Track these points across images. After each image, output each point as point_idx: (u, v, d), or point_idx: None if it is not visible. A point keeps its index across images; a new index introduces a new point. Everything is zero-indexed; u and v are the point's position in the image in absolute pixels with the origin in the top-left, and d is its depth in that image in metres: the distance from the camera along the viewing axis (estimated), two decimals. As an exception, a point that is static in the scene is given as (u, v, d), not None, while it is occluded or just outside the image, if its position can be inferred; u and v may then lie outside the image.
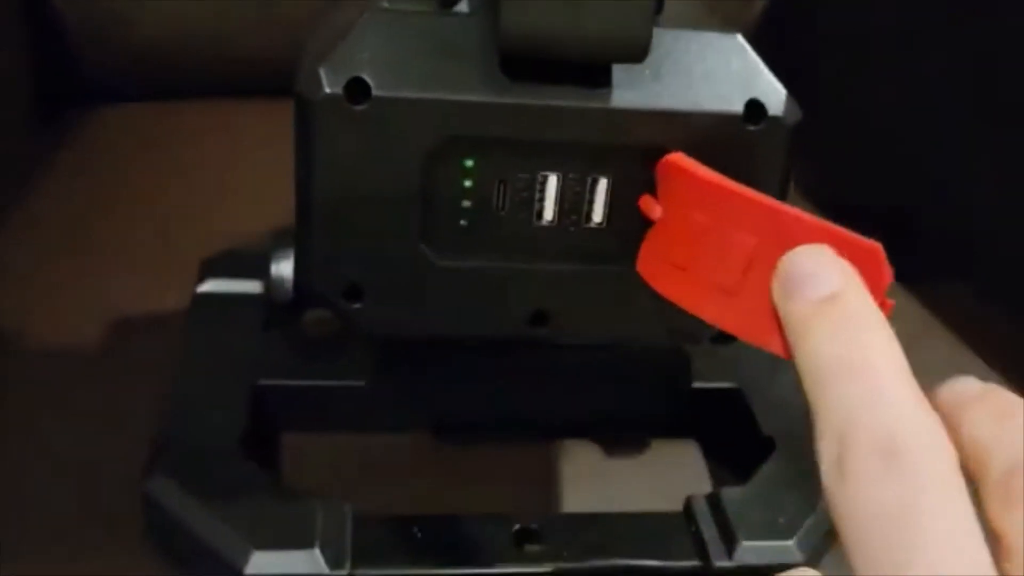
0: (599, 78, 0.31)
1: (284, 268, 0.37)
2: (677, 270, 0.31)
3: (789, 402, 0.43)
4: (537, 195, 0.32)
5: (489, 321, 0.34)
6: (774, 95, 0.32)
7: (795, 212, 0.28)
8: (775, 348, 0.25)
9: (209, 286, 0.44)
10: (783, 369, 0.43)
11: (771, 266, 0.26)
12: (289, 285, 0.37)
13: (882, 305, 0.24)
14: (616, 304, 0.34)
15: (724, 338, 0.35)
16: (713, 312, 0.29)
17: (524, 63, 0.30)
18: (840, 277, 0.23)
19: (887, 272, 0.25)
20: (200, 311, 0.44)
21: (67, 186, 0.56)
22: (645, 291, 0.33)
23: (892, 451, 0.19)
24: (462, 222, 0.33)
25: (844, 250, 0.25)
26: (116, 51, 0.66)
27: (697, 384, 0.44)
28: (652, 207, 0.32)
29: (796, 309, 0.23)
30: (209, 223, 0.51)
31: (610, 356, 0.42)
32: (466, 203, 0.32)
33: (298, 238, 0.32)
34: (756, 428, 0.42)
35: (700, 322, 0.31)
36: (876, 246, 0.27)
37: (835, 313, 0.22)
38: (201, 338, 0.42)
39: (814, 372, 0.21)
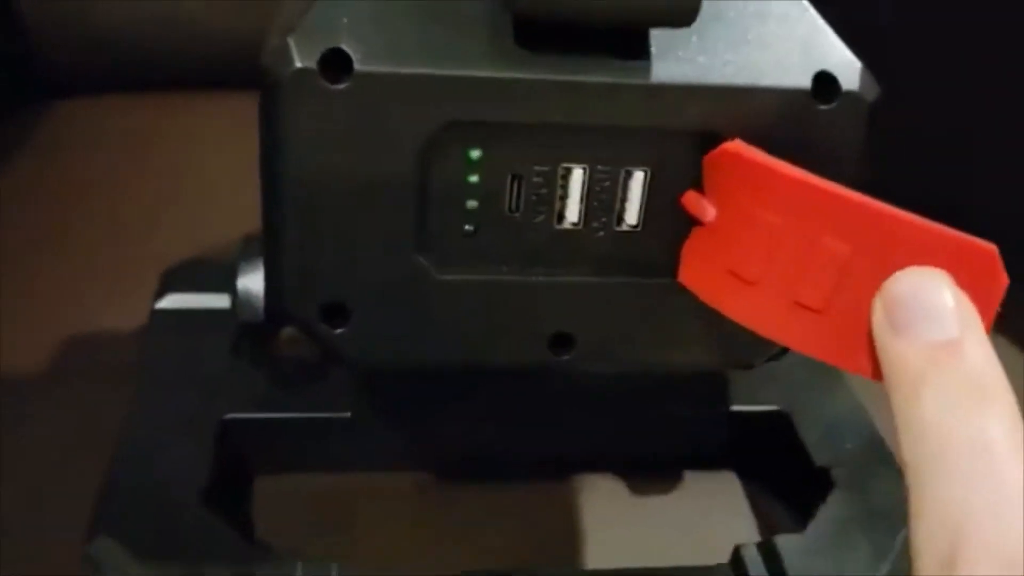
0: (636, 48, 0.25)
1: (252, 282, 0.31)
2: (738, 282, 0.25)
3: (844, 425, 0.38)
4: (559, 192, 0.27)
5: (501, 346, 0.28)
6: (847, 67, 0.26)
7: (893, 211, 0.23)
8: (863, 372, 0.22)
9: (169, 301, 0.38)
10: (835, 385, 0.39)
11: (869, 281, 0.23)
12: (258, 303, 0.31)
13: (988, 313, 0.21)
14: (655, 323, 0.28)
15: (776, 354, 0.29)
16: (788, 332, 0.25)
17: (543, 30, 0.25)
18: (959, 320, 0.20)
19: (1002, 278, 0.22)
20: (158, 331, 0.38)
21: (21, 187, 0.50)
22: (690, 306, 0.27)
23: (1016, 565, 0.17)
24: (467, 227, 0.27)
25: (954, 255, 0.22)
26: (72, 41, 0.60)
27: (736, 407, 0.38)
28: (701, 205, 0.26)
29: (906, 351, 0.20)
30: (173, 227, 0.45)
31: (634, 375, 0.36)
32: (472, 203, 0.26)
33: (266, 247, 0.26)
34: (807, 458, 0.37)
35: (758, 341, 0.25)
36: (991, 249, 0.22)
37: (953, 370, 0.20)
38: (158, 364, 0.36)
39: (923, 440, 0.19)
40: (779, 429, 0.38)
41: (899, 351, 0.20)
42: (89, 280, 0.44)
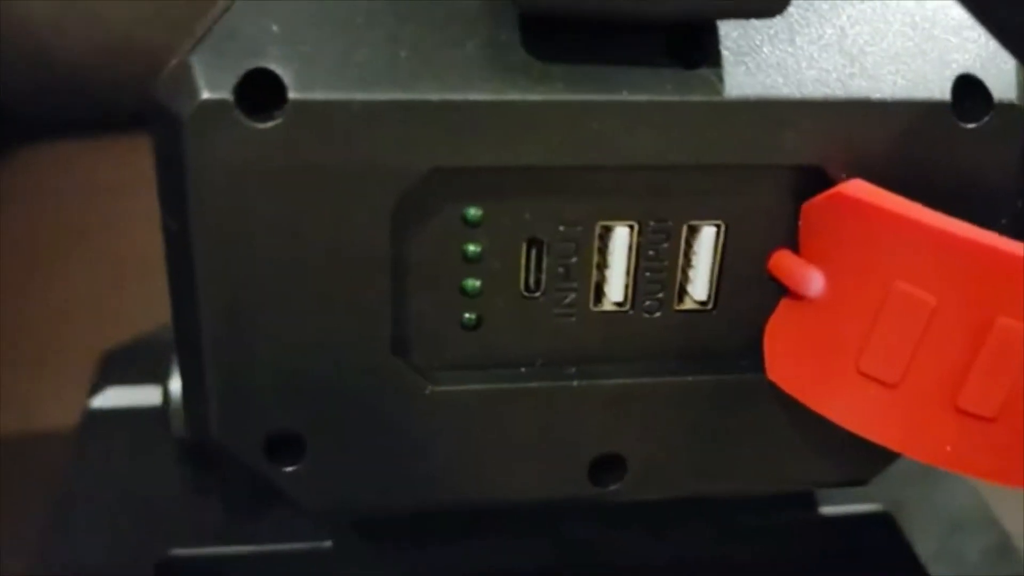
0: (699, 52, 0.17)
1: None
2: (866, 382, 0.18)
3: (965, 528, 0.30)
4: (596, 261, 0.19)
5: (523, 480, 0.20)
6: (1001, 69, 0.18)
7: None
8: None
9: (106, 398, 0.31)
10: (951, 475, 0.31)
11: None
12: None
13: None
14: (733, 435, 0.20)
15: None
16: (940, 448, 0.18)
17: (563, 31, 0.17)
18: None
19: None
20: (91, 437, 0.30)
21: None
22: (781, 411, 0.19)
23: None
24: (467, 315, 0.19)
25: None
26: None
27: (825, 508, 0.30)
28: (801, 273, 0.18)
29: None
30: (118, 301, 0.37)
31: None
32: (472, 283, 0.19)
33: (179, 352, 0.18)
34: (918, 571, 0.28)
35: (876, 450, 0.19)
36: None
37: None
38: (89, 480, 0.29)
39: None
40: (881, 535, 0.30)
41: None
42: (17, 369, 0.36)
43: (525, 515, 0.28)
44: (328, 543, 0.27)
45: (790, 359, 0.19)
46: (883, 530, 0.30)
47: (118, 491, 0.28)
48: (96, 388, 0.31)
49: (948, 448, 0.18)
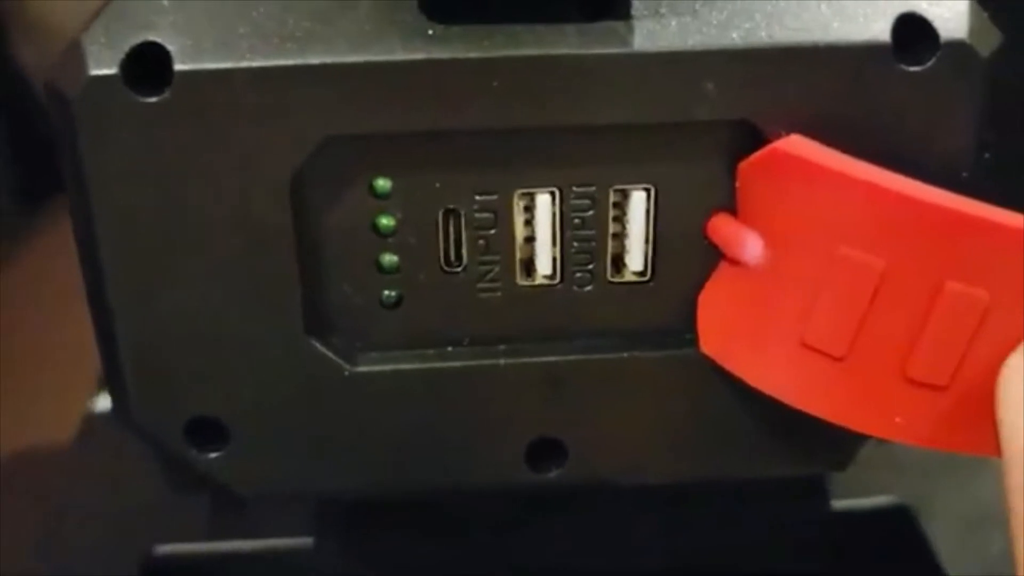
0: (606, 2, 0.16)
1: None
2: (811, 356, 0.16)
3: (987, 522, 0.28)
4: (519, 232, 0.18)
5: (455, 465, 0.19)
6: (949, 7, 0.17)
7: None
8: (986, 450, 0.16)
9: (106, 401, 0.31)
10: (973, 465, 0.29)
11: (1010, 335, 0.16)
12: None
13: None
14: (681, 417, 0.19)
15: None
16: (891, 421, 0.17)
17: None
18: None
19: None
20: (86, 438, 0.30)
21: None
22: (734, 390, 0.18)
23: None
24: (386, 293, 0.18)
25: None
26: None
27: (839, 502, 0.28)
28: (739, 237, 0.17)
29: None
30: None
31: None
32: (389, 258, 0.18)
33: (96, 330, 0.18)
34: (937, 569, 0.27)
35: (844, 434, 0.18)
36: None
37: None
38: (78, 479, 0.29)
39: None
40: (899, 530, 0.28)
41: None
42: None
43: (512, 511, 0.27)
44: (311, 539, 0.27)
45: (726, 330, 0.18)
46: (900, 524, 0.28)
47: (105, 489, 0.28)
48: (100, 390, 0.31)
49: (897, 420, 0.17)
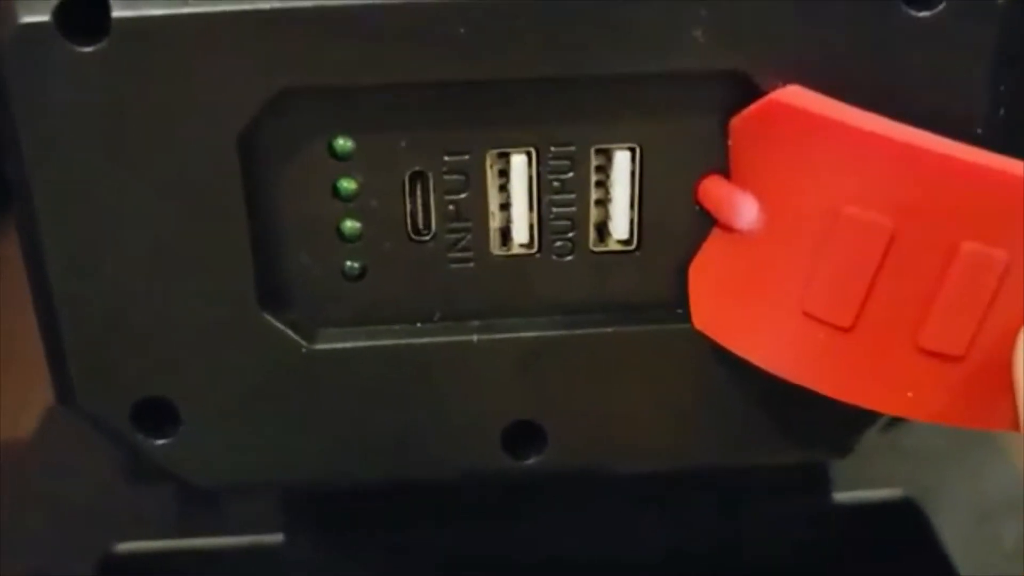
0: None
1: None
2: (816, 327, 0.15)
3: (1000, 515, 0.27)
4: (494, 195, 0.16)
5: (426, 452, 0.17)
6: None
7: None
8: (1006, 424, 0.15)
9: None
10: (985, 452, 0.28)
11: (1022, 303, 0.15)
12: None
13: None
14: (670, 398, 0.17)
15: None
16: (903, 396, 0.16)
17: None
18: None
19: None
20: (47, 433, 0.29)
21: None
22: (726, 368, 0.16)
23: None
24: (349, 263, 0.17)
25: None
26: None
27: (841, 494, 0.27)
28: (733, 200, 0.16)
29: None
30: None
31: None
32: (351, 225, 0.16)
33: (36, 311, 0.17)
34: (946, 565, 0.25)
35: (850, 414, 0.16)
36: None
37: None
38: (40, 476, 0.27)
39: None
40: (905, 524, 0.27)
41: None
42: None
43: (494, 501, 0.26)
44: (279, 536, 0.26)
45: (720, 302, 0.16)
46: (905, 517, 0.27)
47: (65, 485, 0.27)
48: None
49: (909, 394, 0.15)
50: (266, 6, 0.15)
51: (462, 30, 0.15)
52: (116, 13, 0.15)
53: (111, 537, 0.26)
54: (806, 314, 0.15)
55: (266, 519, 0.26)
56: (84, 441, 0.27)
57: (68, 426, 0.28)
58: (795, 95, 0.15)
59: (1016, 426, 0.14)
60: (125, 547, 0.25)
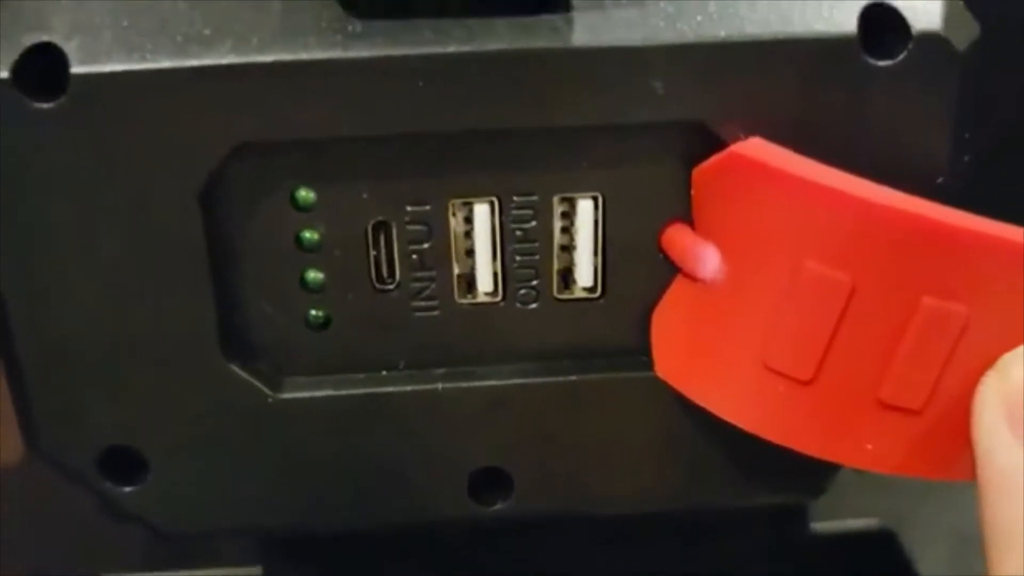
0: None
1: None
2: (776, 380, 0.15)
3: (975, 543, 0.26)
4: (456, 245, 0.16)
5: (393, 500, 0.17)
6: None
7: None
8: (963, 475, 0.15)
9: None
10: (955, 486, 0.27)
11: (989, 351, 0.15)
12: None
13: None
14: (634, 443, 0.17)
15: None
16: (861, 448, 0.16)
17: None
18: None
19: None
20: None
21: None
22: (691, 415, 0.16)
23: None
24: (313, 312, 0.17)
25: None
26: None
27: (818, 525, 0.27)
28: (695, 251, 0.16)
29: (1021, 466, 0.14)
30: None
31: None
32: (314, 275, 0.16)
33: (3, 359, 0.17)
34: None
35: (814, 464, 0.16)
36: None
37: None
38: (22, 503, 0.27)
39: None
40: (880, 552, 0.27)
41: (1016, 467, 0.14)
42: None
43: (476, 532, 0.26)
44: (257, 569, 0.25)
45: (682, 352, 0.16)
46: (882, 547, 0.27)
47: (44, 517, 0.27)
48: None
49: (869, 447, 0.15)
50: (224, 61, 0.15)
51: (421, 83, 0.15)
52: (75, 69, 0.14)
53: (93, 570, 0.26)
54: (766, 367, 0.15)
55: (246, 552, 0.26)
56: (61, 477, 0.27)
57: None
58: (756, 148, 0.15)
59: (975, 477, 0.14)
60: (106, 579, 0.26)
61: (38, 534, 0.27)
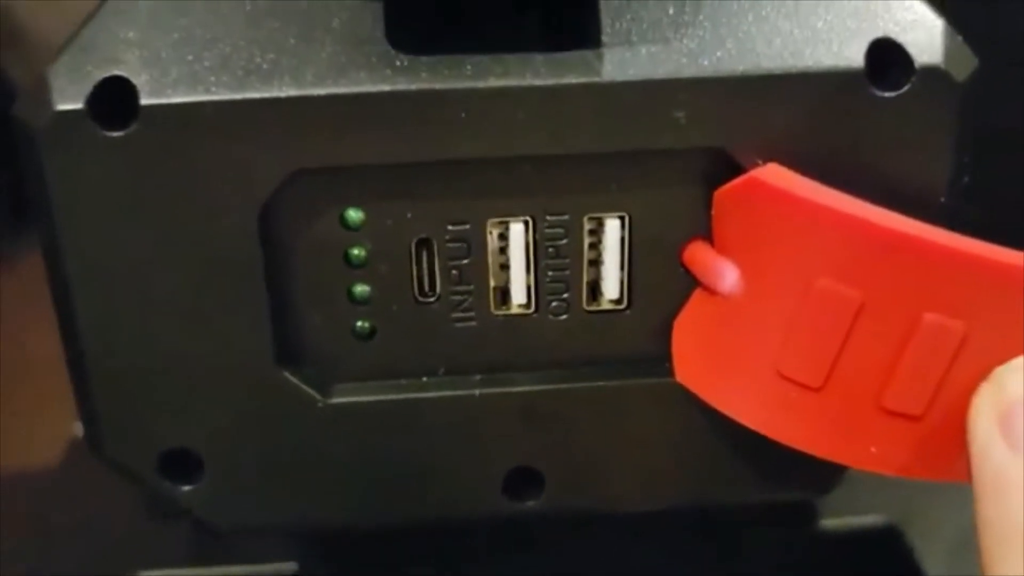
0: (576, 31, 0.16)
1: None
2: (786, 386, 0.16)
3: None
4: (493, 260, 0.18)
5: (432, 497, 0.19)
6: (923, 31, 0.16)
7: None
8: (959, 478, 0.16)
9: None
10: (962, 484, 0.28)
11: (985, 364, 0.16)
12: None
13: None
14: (658, 444, 0.19)
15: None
16: (864, 451, 0.17)
17: (426, 21, 0.16)
18: None
19: None
20: (72, 459, 0.30)
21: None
22: (711, 418, 0.18)
23: None
24: (359, 324, 0.18)
25: None
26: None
27: (826, 521, 0.28)
28: (716, 267, 0.17)
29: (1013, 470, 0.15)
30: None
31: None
32: (361, 289, 0.18)
33: (68, 362, 0.18)
34: None
35: (822, 466, 0.18)
36: None
37: None
38: (62, 503, 0.28)
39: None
40: (886, 549, 0.28)
41: (1009, 470, 0.15)
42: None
43: (500, 535, 0.27)
44: (294, 565, 0.27)
45: (701, 359, 0.17)
46: (888, 544, 0.27)
47: (89, 513, 0.28)
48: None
49: (872, 449, 0.16)
50: (282, 94, 0.16)
51: (463, 115, 0.16)
52: (144, 101, 0.16)
53: (132, 566, 0.27)
54: (779, 374, 0.17)
55: (281, 549, 0.27)
56: (106, 473, 0.28)
57: (91, 458, 0.29)
58: (774, 174, 0.16)
59: (970, 479, 0.16)
60: (146, 575, 0.27)
61: (80, 529, 0.28)
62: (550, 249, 0.18)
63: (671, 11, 0.16)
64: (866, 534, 0.28)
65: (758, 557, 0.28)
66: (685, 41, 0.16)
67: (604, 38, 0.16)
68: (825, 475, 0.19)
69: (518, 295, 0.18)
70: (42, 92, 0.16)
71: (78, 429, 0.31)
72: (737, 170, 0.17)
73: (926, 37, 0.16)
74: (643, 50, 0.16)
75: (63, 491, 0.29)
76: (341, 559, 0.27)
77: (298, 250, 0.17)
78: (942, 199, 0.17)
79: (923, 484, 0.28)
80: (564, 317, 0.18)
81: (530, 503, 0.19)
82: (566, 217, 0.17)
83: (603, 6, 0.16)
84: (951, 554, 0.27)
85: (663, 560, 0.28)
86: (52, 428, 0.31)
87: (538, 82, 0.16)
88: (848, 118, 0.16)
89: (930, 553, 0.27)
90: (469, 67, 0.16)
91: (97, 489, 0.28)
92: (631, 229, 0.17)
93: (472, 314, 0.18)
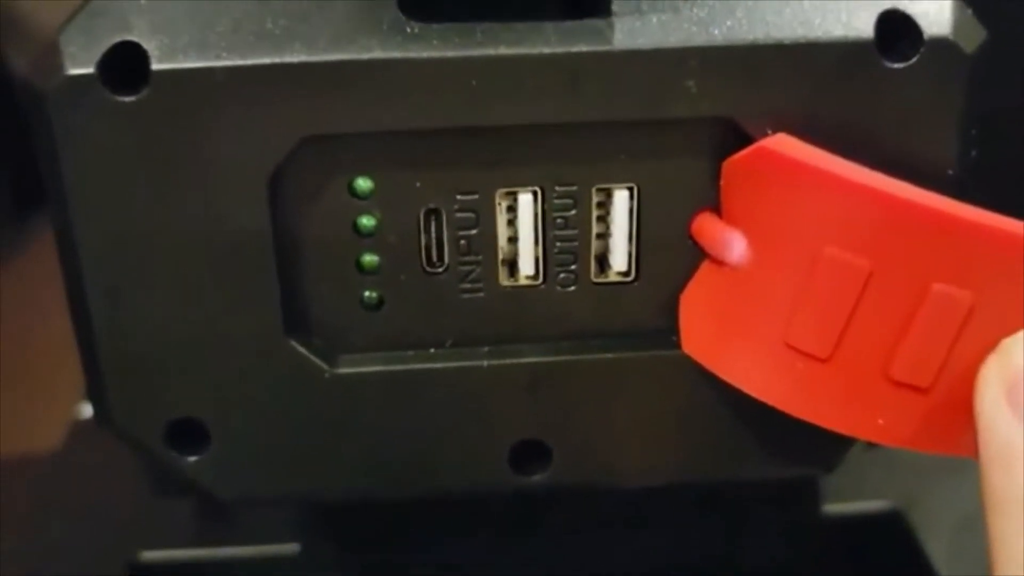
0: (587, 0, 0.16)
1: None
2: (795, 357, 0.16)
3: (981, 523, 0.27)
4: (501, 232, 0.18)
5: (438, 468, 0.19)
6: (933, 3, 0.17)
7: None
8: (966, 451, 0.16)
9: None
10: (967, 465, 0.28)
11: (992, 334, 0.16)
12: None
13: None
14: (665, 418, 0.19)
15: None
16: (873, 422, 0.17)
17: None
18: None
19: None
20: (75, 444, 0.30)
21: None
22: (719, 392, 0.18)
23: None
24: (367, 294, 0.18)
25: None
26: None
27: (829, 506, 0.28)
28: (724, 237, 0.17)
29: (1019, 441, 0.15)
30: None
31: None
32: (370, 258, 0.18)
33: (76, 332, 0.18)
34: (931, 573, 0.26)
35: (830, 436, 0.17)
36: None
37: None
38: (65, 484, 0.28)
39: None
40: (889, 533, 0.28)
41: (1015, 441, 0.15)
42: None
43: (506, 514, 0.27)
44: (296, 546, 0.27)
45: (708, 330, 0.17)
46: (892, 528, 0.27)
47: (92, 494, 0.28)
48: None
49: (880, 421, 0.16)
50: (292, 59, 0.16)
51: (474, 83, 0.16)
52: (155, 66, 0.16)
53: (136, 546, 0.27)
54: (787, 345, 0.17)
55: (283, 529, 0.27)
56: (110, 454, 0.28)
57: (95, 439, 0.29)
58: (782, 143, 0.16)
59: (976, 453, 0.16)
60: (149, 555, 0.27)
61: (83, 509, 0.28)
62: (558, 220, 0.18)
63: None
64: (870, 518, 0.28)
65: (760, 543, 0.28)
66: (695, 10, 0.16)
67: (615, 7, 0.16)
68: (830, 452, 0.19)
69: (526, 266, 0.18)
70: (53, 57, 0.16)
71: (82, 411, 0.31)
72: (746, 140, 0.17)
73: (935, 9, 0.16)
74: (654, 19, 0.16)
75: (65, 474, 0.29)
76: (344, 540, 0.27)
77: (307, 219, 0.17)
78: (950, 171, 0.17)
79: (926, 469, 0.28)
80: (572, 289, 0.18)
81: (536, 477, 0.19)
82: (575, 188, 0.17)
83: None
84: (953, 538, 0.27)
85: (659, 545, 0.28)
86: (55, 411, 0.31)
87: (548, 50, 0.16)
88: (857, 89, 0.16)
89: (932, 537, 0.27)
90: (480, 35, 0.16)
91: (100, 472, 0.28)
92: (640, 200, 0.17)
93: (480, 285, 0.18)
